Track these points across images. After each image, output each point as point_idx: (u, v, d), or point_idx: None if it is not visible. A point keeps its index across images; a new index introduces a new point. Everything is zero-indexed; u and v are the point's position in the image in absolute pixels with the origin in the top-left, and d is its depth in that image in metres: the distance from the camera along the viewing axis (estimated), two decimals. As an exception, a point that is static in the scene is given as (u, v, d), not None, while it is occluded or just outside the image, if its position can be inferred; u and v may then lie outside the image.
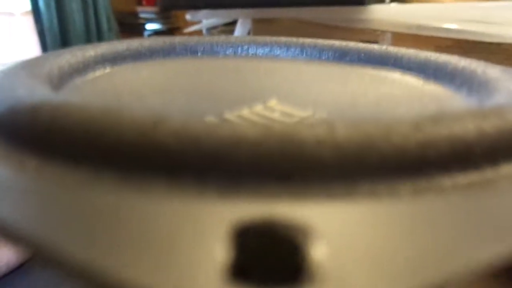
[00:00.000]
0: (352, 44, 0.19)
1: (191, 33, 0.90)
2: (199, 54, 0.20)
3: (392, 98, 0.16)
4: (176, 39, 0.20)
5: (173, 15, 1.55)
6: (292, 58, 0.21)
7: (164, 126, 0.09)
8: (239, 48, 0.20)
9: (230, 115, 0.13)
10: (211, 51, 0.20)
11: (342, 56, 0.20)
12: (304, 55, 0.20)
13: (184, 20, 1.07)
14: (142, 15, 1.54)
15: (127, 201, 0.09)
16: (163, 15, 1.52)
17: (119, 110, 0.10)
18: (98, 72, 0.17)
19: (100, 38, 1.44)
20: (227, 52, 0.20)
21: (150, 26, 1.53)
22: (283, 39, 0.20)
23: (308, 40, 0.20)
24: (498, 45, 0.61)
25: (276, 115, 0.13)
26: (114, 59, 0.18)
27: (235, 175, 0.09)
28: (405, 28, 0.58)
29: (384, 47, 0.19)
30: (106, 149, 0.10)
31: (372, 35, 0.63)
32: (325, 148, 0.09)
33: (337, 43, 0.21)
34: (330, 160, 0.09)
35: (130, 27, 1.51)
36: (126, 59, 0.18)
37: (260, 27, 0.74)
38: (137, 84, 0.17)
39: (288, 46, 0.20)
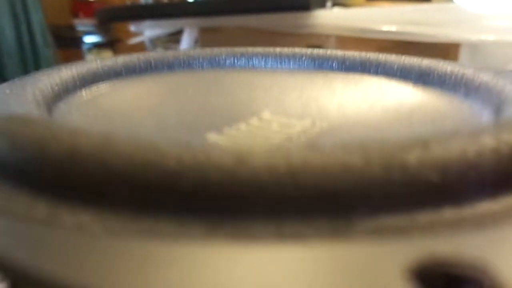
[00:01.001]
0: (329, 52, 0.20)
1: (134, 45, 0.89)
2: (175, 68, 0.19)
3: (382, 105, 0.16)
4: (151, 55, 0.20)
5: (113, 26, 1.52)
6: (270, 69, 0.21)
7: (252, 161, 0.08)
8: (216, 61, 0.20)
9: (232, 132, 0.13)
10: (188, 65, 0.19)
11: (321, 64, 0.20)
12: (282, 65, 0.20)
13: (125, 32, 1.05)
14: (79, 28, 1.49)
15: (238, 256, 0.07)
16: (102, 27, 1.48)
17: (180, 146, 0.09)
18: (78, 97, 0.16)
19: (35, 54, 1.37)
20: (204, 65, 0.20)
21: (89, 39, 1.48)
22: (259, 49, 0.20)
23: (285, 50, 0.20)
24: (434, 44, 0.65)
25: (275, 127, 0.13)
26: (93, 79, 0.17)
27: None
28: (349, 32, 0.60)
29: (364, 54, 0.19)
30: (186, 193, 0.08)
31: (318, 40, 0.65)
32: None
33: (309, 51, 0.21)
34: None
35: (68, 41, 1.45)
36: (103, 78, 0.17)
37: (206, 36, 0.74)
38: (124, 106, 0.16)
39: (266, 57, 0.20)
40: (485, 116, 0.13)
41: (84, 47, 1.43)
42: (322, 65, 0.20)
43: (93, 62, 0.18)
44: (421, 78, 0.17)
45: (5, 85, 0.15)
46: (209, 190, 0.08)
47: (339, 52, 0.20)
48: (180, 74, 0.19)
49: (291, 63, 0.20)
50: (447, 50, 0.65)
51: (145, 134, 0.12)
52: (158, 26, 0.77)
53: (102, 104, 0.16)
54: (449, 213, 0.08)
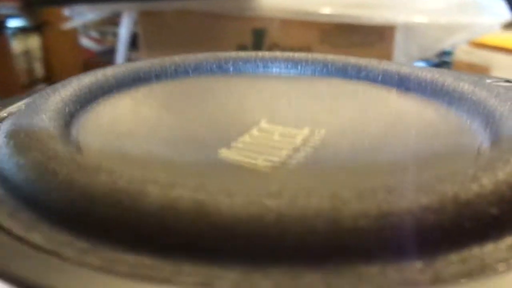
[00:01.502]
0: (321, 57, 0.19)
1: (68, 30, 0.84)
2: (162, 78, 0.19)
3: (374, 111, 0.16)
4: (136, 66, 0.18)
5: (41, 9, 1.42)
6: (258, 74, 0.20)
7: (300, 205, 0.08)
8: (203, 67, 0.19)
9: (239, 145, 0.13)
10: (176, 74, 0.19)
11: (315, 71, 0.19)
12: (264, 68, 0.20)
13: (55, 15, 0.99)
14: (1, 11, 1.37)
15: None
16: (26, 9, 1.38)
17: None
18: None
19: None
20: (190, 73, 0.19)
21: (13, 23, 1.37)
22: (243, 54, 0.20)
23: (267, 54, 0.20)
24: (372, 27, 0.68)
25: (277, 138, 0.14)
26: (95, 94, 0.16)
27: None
28: (293, 14, 0.61)
29: (343, 58, 0.19)
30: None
31: (262, 23, 0.65)
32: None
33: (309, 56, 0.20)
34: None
35: (-12, 25, 1.34)
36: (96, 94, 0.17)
37: (147, 20, 0.72)
38: (125, 123, 0.15)
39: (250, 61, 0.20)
40: (475, 131, 0.14)
41: (8, 32, 1.33)
42: (311, 70, 0.19)
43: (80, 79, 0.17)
44: (403, 84, 0.17)
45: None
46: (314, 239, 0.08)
47: (328, 57, 0.20)
48: (168, 84, 0.19)
49: (278, 68, 0.20)
50: (383, 32, 0.68)
51: (159, 153, 0.12)
52: (95, 9, 0.73)
53: (106, 119, 0.15)
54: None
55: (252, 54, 0.20)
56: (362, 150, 0.13)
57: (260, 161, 0.12)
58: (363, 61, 0.18)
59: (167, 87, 0.18)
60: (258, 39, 0.64)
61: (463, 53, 0.83)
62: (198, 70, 0.19)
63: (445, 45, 0.67)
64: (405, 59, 0.67)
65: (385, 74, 0.18)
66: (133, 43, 0.78)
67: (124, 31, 0.75)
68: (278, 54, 0.20)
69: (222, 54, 0.20)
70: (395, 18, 0.66)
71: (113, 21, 0.87)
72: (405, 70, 0.17)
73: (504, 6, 0.65)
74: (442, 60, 0.85)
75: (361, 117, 0.16)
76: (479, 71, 0.76)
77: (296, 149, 0.13)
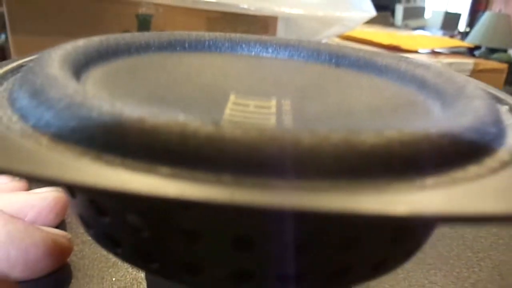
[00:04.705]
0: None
1: None
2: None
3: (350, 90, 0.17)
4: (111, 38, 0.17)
5: None
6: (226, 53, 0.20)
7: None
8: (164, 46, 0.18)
9: (226, 118, 0.13)
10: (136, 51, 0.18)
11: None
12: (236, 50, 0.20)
13: None
14: None
15: None
16: None
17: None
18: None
19: None
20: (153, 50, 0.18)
21: None
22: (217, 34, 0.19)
23: (234, 35, 0.20)
24: (255, 17, 0.70)
25: (252, 109, 0.14)
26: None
27: None
28: (179, 2, 0.60)
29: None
30: None
31: (147, 9, 0.63)
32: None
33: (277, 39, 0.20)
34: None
35: None
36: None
37: (14, 4, 0.65)
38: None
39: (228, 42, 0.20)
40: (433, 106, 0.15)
41: None
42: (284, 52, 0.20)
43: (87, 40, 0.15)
44: (339, 61, 0.19)
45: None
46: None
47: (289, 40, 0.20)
48: (134, 59, 0.17)
49: (245, 48, 0.20)
50: (267, 22, 0.71)
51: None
52: None
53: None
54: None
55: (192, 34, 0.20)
56: (331, 114, 0.14)
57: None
58: (307, 42, 0.20)
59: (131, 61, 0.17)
60: (143, 24, 0.62)
61: (335, 45, 0.90)
62: (147, 48, 0.18)
63: (321, 37, 0.73)
64: (287, 48, 0.71)
65: (320, 53, 0.20)
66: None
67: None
68: (218, 34, 0.20)
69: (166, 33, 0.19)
70: (277, 10, 0.69)
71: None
72: (343, 50, 0.20)
73: (369, 3, 0.73)
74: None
75: (311, 87, 0.17)
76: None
77: (279, 116, 0.14)
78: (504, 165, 0.10)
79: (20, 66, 0.15)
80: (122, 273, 0.18)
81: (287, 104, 0.15)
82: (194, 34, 0.20)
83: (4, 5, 0.68)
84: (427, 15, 1.82)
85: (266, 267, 0.10)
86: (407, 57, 0.19)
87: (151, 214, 0.10)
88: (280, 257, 0.10)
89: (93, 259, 0.19)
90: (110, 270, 0.18)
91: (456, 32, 1.62)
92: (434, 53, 0.97)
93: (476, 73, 0.89)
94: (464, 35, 1.46)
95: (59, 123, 0.10)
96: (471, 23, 1.81)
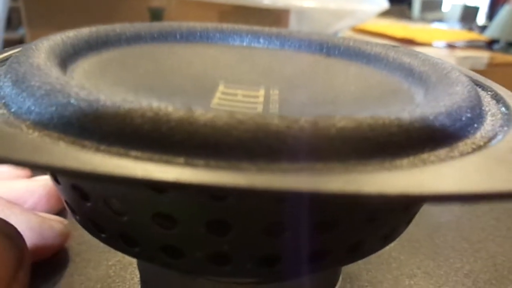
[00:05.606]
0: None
1: None
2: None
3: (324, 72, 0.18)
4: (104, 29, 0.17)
5: None
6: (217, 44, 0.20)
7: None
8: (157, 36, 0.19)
9: (214, 107, 0.13)
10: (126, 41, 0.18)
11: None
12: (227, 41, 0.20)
13: None
14: None
15: None
16: None
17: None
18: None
19: None
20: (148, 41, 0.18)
21: None
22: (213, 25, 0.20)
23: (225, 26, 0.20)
24: (268, 10, 0.70)
25: (239, 98, 0.14)
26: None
27: None
28: (191, -5, 0.61)
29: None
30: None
31: (160, 2, 0.64)
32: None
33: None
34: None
35: None
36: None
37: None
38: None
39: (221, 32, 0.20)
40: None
41: None
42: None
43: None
44: (329, 51, 0.19)
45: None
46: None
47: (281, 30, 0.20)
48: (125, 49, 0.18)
49: (237, 39, 0.20)
50: (279, 15, 0.71)
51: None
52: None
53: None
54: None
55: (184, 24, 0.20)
56: (317, 102, 0.14)
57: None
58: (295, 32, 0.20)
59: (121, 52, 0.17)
60: (156, 18, 0.63)
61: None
62: (137, 39, 0.18)
63: (334, 29, 0.72)
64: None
65: (311, 43, 0.20)
66: (9, 21, 0.71)
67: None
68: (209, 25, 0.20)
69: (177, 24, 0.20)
70: (289, 2, 0.69)
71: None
72: (333, 39, 0.20)
73: (382, -4, 0.72)
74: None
75: (300, 76, 0.17)
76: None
77: (266, 105, 0.14)
78: (477, 149, 0.10)
79: (11, 57, 0.15)
80: (117, 258, 0.19)
81: (275, 94, 0.15)
82: (185, 24, 0.20)
83: (21, 2, 0.70)
84: (445, 8, 1.79)
85: (242, 250, 0.11)
86: (397, 46, 0.19)
87: (128, 198, 0.11)
88: (255, 240, 0.10)
89: (92, 245, 0.19)
90: (106, 255, 0.19)
91: (474, 26, 1.59)
92: (449, 46, 0.96)
93: (492, 67, 0.88)
94: (482, 28, 1.43)
95: (38, 109, 0.10)
96: (491, 16, 1.77)
